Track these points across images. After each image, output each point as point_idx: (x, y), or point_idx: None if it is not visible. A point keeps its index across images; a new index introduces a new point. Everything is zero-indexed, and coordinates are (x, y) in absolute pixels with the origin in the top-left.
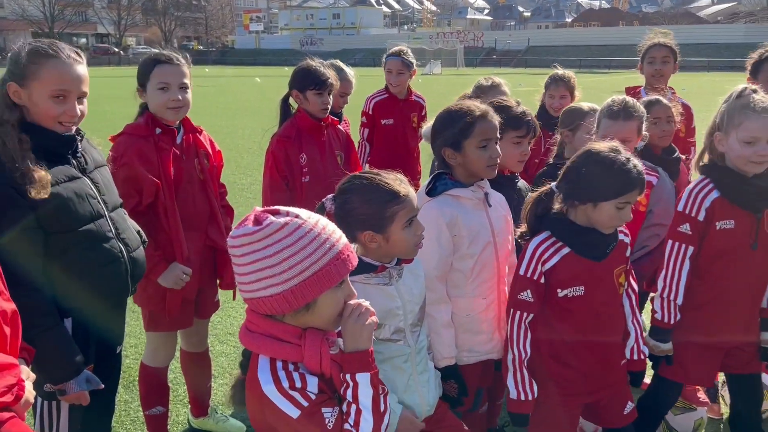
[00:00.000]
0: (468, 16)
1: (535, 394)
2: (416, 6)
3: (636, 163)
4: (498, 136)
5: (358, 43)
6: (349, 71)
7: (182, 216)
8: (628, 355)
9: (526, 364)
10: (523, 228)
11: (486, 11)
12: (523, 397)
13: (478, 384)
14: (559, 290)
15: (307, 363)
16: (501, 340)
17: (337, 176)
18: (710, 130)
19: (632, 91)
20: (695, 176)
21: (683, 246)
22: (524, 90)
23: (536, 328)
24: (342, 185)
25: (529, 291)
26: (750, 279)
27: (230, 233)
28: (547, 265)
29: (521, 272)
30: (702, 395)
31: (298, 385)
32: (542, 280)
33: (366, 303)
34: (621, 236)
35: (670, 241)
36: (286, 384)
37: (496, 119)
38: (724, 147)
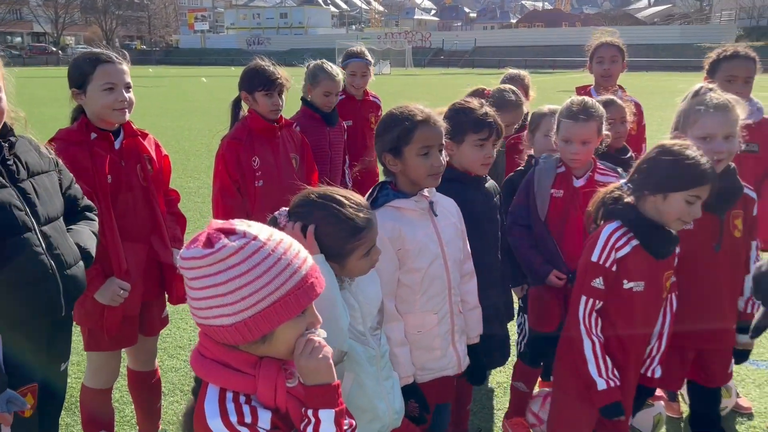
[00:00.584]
0: (415, 17)
1: (619, 380)
2: (364, 6)
3: (707, 159)
4: (443, 143)
5: (306, 43)
6: (335, 69)
7: (122, 226)
8: (641, 370)
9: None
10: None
11: (433, 12)
12: (612, 384)
13: (436, 401)
14: (625, 281)
15: (260, 396)
16: (456, 355)
17: (293, 180)
18: (670, 130)
19: (582, 91)
20: None
21: None
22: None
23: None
24: (299, 207)
25: (601, 278)
26: (716, 282)
27: (180, 253)
28: (620, 253)
29: (594, 259)
30: (658, 391)
31: (248, 420)
32: (614, 268)
33: (318, 337)
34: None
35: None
36: (234, 418)
37: (441, 125)
38: None
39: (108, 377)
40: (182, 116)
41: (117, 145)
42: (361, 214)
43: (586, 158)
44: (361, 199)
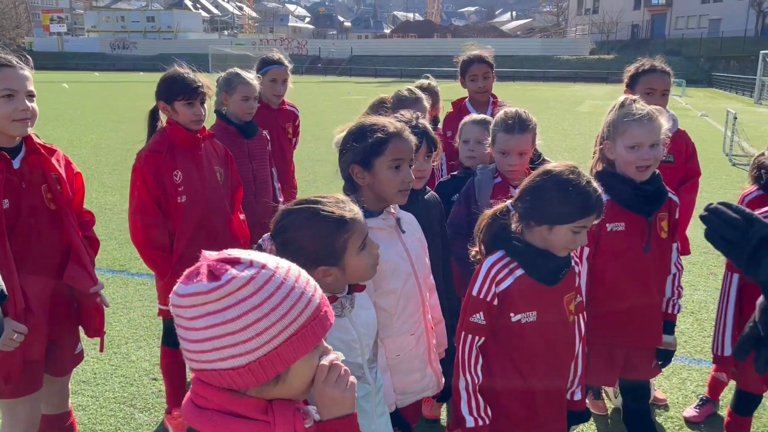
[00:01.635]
0: (290, 24)
1: (489, 419)
2: (236, 12)
3: (595, 186)
4: (413, 157)
5: (176, 48)
6: (250, 74)
7: (24, 257)
8: (568, 396)
9: (478, 389)
10: (476, 249)
11: (307, 20)
12: (480, 423)
13: (412, 422)
14: (512, 314)
15: None
16: (434, 374)
17: (218, 195)
18: (599, 140)
19: (458, 105)
20: None
21: (582, 249)
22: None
23: (487, 354)
24: (279, 222)
25: (481, 313)
26: (644, 280)
27: (174, 289)
28: (501, 287)
29: (474, 293)
30: None
31: None
32: (495, 302)
33: (340, 362)
34: (572, 263)
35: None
36: None
37: (412, 139)
38: (613, 155)
39: (27, 426)
40: (45, 125)
41: (16, 164)
42: (343, 206)
43: (522, 169)
44: (340, 195)
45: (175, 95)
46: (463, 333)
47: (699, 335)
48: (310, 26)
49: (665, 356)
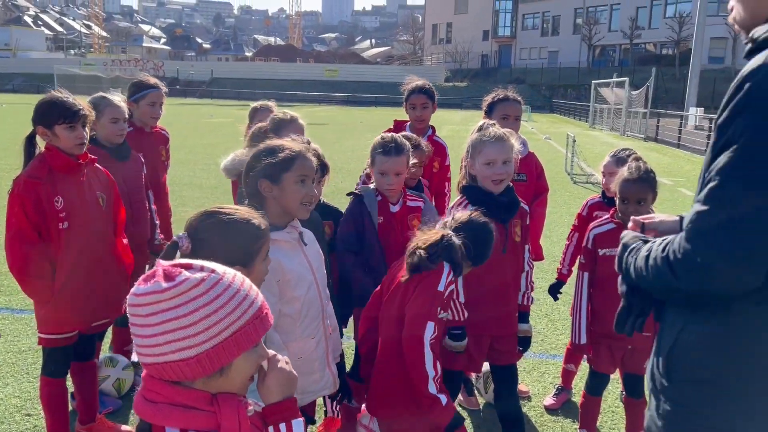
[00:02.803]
0: (144, 44)
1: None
2: (83, 30)
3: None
4: (314, 177)
5: (16, 67)
6: (117, 96)
7: None
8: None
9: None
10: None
11: (163, 41)
12: (447, 399)
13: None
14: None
15: (224, 428)
16: (332, 375)
17: (102, 220)
18: (463, 158)
19: (400, 125)
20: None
21: None
22: (216, 121)
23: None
24: (198, 222)
25: (441, 309)
26: (504, 278)
27: (133, 290)
28: (451, 287)
29: (441, 289)
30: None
31: None
32: (446, 300)
33: (283, 357)
34: None
35: None
36: None
37: (314, 160)
38: (474, 171)
39: None
40: None
41: None
42: (258, 216)
43: (399, 187)
44: (249, 208)
45: (56, 119)
46: (430, 323)
47: (553, 334)
48: (167, 47)
49: (524, 342)
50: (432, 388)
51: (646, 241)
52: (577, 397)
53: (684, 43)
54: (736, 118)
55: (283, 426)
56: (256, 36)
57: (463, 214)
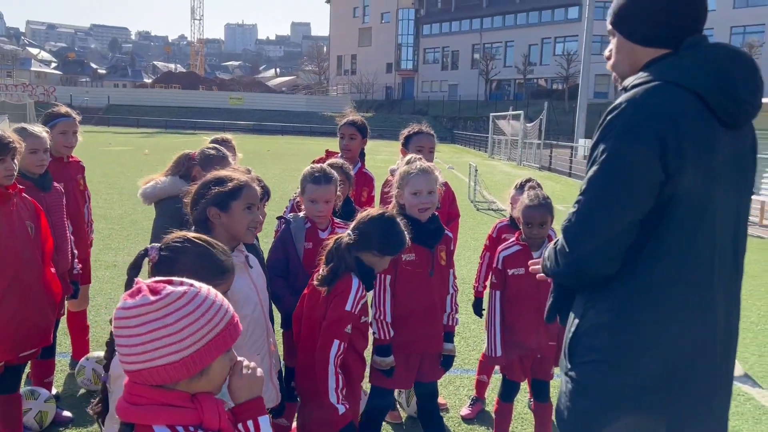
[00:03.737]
0: (33, 69)
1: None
2: None
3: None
4: (258, 204)
5: None
6: (37, 127)
7: None
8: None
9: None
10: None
11: (54, 65)
12: (346, 408)
13: None
14: (362, 317)
15: (207, 422)
16: (275, 388)
17: (31, 249)
18: (394, 188)
19: (331, 155)
20: None
21: (383, 276)
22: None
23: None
24: (174, 242)
25: (350, 325)
26: (431, 300)
27: (120, 305)
28: (363, 300)
29: (349, 308)
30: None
31: None
32: (358, 314)
33: (250, 363)
34: None
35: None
36: None
37: (258, 189)
38: (402, 200)
39: None
40: None
41: None
42: (228, 258)
43: (328, 214)
44: (224, 246)
45: None
46: (337, 341)
47: (465, 350)
48: (58, 72)
49: (447, 361)
50: (332, 398)
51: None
52: (490, 406)
53: (572, 79)
54: (599, 142)
55: (250, 423)
56: (155, 62)
57: (361, 214)
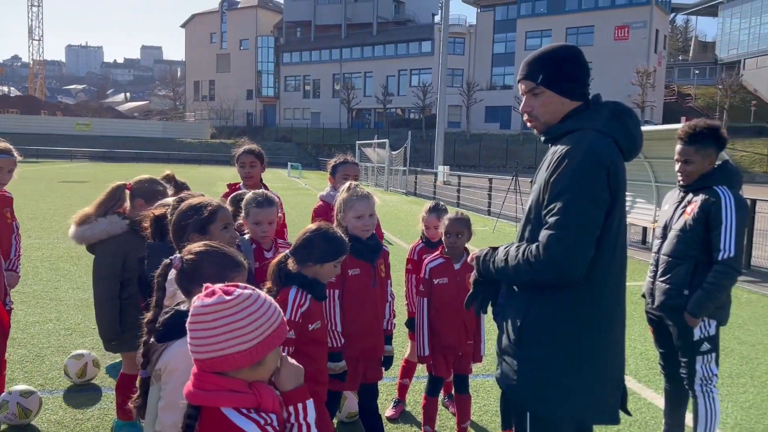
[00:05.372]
0: None
1: None
2: None
3: (341, 234)
4: (233, 222)
5: None
6: None
7: None
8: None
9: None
10: (269, 285)
11: None
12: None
13: None
14: (309, 325)
15: (264, 405)
16: None
17: None
18: (336, 212)
19: (232, 188)
20: None
21: (332, 291)
22: None
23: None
24: (192, 252)
25: (292, 331)
26: (375, 308)
27: (199, 303)
28: (303, 308)
29: (288, 317)
30: None
31: (268, 422)
32: (300, 320)
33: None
34: None
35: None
36: (262, 422)
37: (230, 208)
38: (345, 222)
39: None
40: None
41: None
42: (237, 253)
43: (272, 235)
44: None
45: None
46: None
47: None
48: None
49: (388, 361)
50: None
51: (494, 249)
52: (410, 407)
53: (427, 109)
54: (562, 178)
55: (300, 406)
56: None
57: (301, 231)
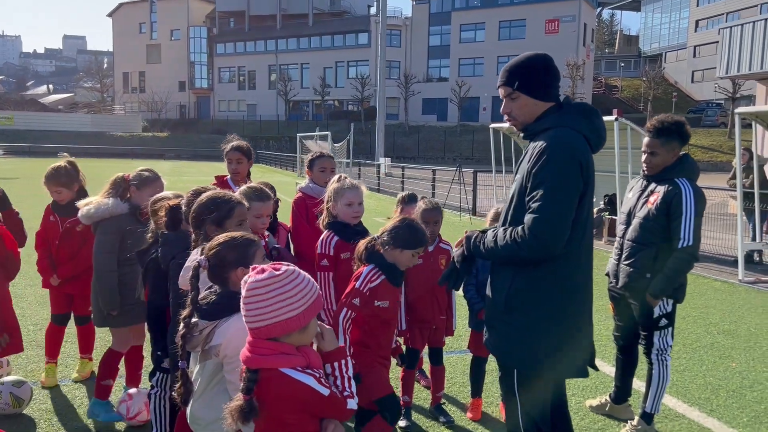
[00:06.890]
0: None
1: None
2: None
3: (424, 230)
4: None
5: None
6: None
7: None
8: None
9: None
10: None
11: None
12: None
13: None
14: (376, 301)
15: (312, 363)
16: None
17: None
18: (326, 201)
19: (220, 180)
20: None
21: (327, 273)
22: None
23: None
24: (212, 249)
25: (359, 299)
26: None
27: (253, 279)
28: (373, 284)
29: (357, 286)
30: None
31: (319, 375)
32: (368, 293)
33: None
34: None
35: (318, 273)
36: (317, 375)
37: (246, 206)
38: (335, 211)
39: None
40: None
41: None
42: (248, 233)
43: (265, 227)
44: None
45: None
46: (345, 309)
47: None
48: None
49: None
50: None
51: (482, 232)
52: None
53: (366, 101)
54: (543, 169)
55: (342, 362)
56: None
57: (390, 221)
